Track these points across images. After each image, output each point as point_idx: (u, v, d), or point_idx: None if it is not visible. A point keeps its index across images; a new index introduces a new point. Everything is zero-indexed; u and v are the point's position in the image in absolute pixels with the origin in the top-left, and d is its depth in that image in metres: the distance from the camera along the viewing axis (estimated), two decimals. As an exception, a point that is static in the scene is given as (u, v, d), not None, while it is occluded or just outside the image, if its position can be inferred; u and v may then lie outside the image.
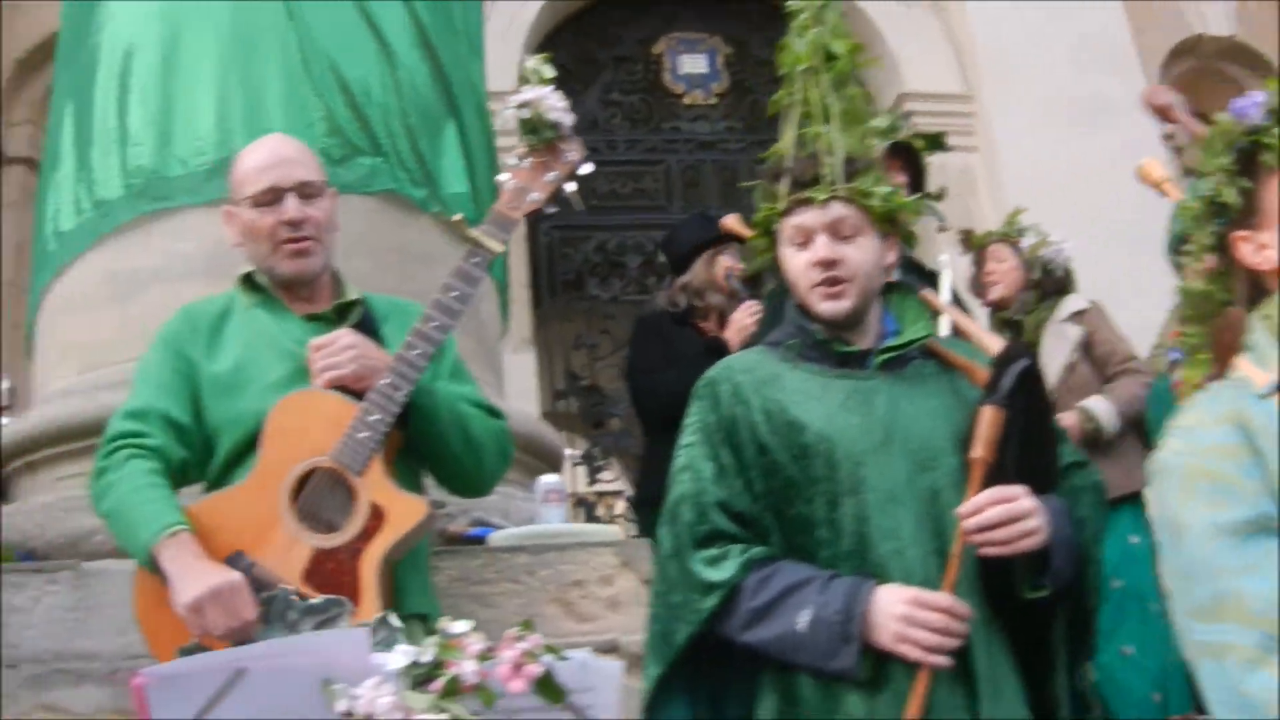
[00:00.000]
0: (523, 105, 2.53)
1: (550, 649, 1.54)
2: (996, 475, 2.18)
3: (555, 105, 2.53)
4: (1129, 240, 6.49)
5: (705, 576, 2.23)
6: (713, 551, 2.25)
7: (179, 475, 2.43)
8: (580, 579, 2.94)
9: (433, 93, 3.69)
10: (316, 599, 2.11)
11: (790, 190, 2.36)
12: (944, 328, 3.25)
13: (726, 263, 4.29)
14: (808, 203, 2.33)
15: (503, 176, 2.57)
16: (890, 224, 2.39)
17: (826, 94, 2.47)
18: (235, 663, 1.47)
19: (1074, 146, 7.82)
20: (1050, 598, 2.18)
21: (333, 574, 2.26)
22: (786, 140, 2.48)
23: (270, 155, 2.58)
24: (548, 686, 1.51)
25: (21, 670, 2.78)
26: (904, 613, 2.08)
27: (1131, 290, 5.95)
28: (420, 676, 1.49)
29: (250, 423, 2.38)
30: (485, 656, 1.49)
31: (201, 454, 2.45)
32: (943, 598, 2.10)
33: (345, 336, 2.38)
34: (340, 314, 2.56)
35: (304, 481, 2.32)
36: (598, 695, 1.56)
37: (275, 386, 2.40)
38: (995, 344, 2.63)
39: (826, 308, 2.31)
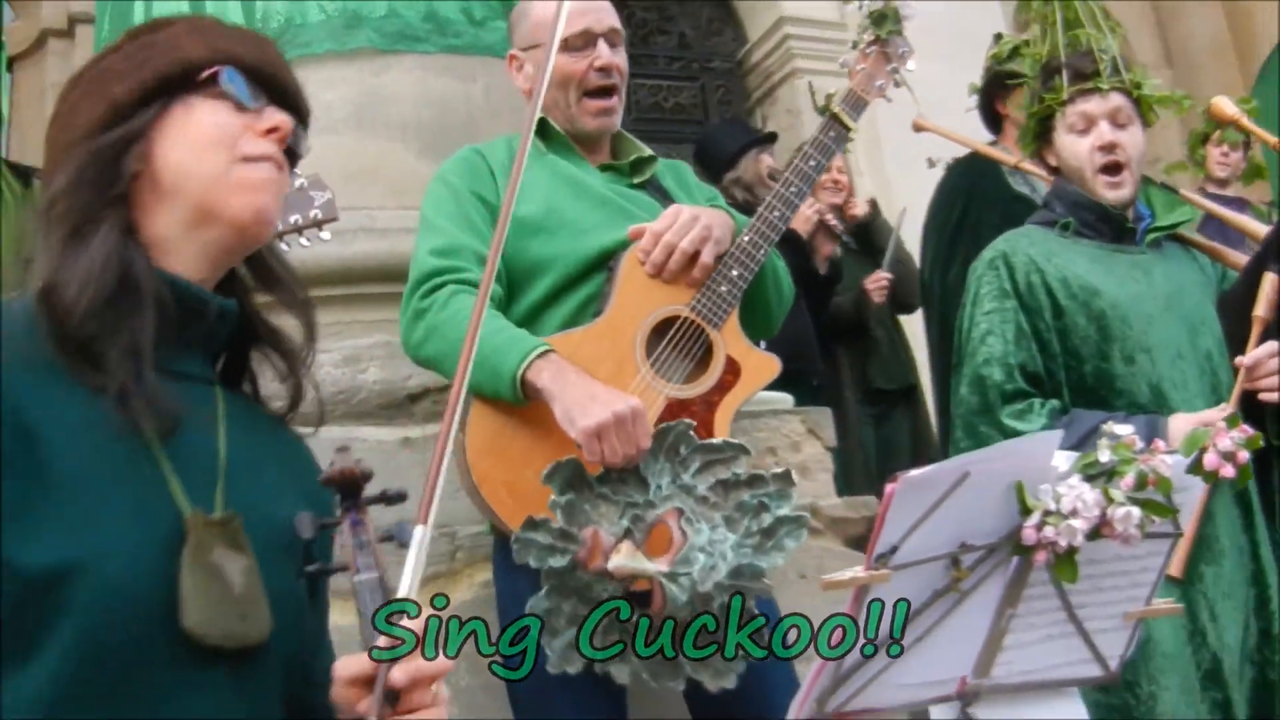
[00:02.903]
0: None
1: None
2: (1267, 334, 2.47)
3: (911, 4, 2.60)
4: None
5: (1018, 427, 2.47)
6: (1019, 406, 2.49)
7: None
8: (772, 445, 3.01)
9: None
10: (715, 439, 2.14)
11: (1070, 83, 2.58)
12: None
13: (768, 160, 4.59)
14: (1090, 93, 2.60)
15: (849, 59, 2.60)
16: (1151, 114, 2.65)
17: (1085, 3, 2.74)
18: (964, 466, 1.51)
19: (947, 78, 8.23)
20: None
21: None
22: (1052, 41, 2.73)
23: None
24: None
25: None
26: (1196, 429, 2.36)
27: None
28: (1095, 474, 1.58)
29: (571, 265, 2.35)
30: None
31: (507, 292, 2.38)
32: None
33: (686, 210, 2.37)
34: (634, 168, 2.54)
35: (657, 330, 2.29)
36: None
37: (590, 231, 2.38)
38: (1259, 226, 2.89)
39: (1112, 195, 2.60)
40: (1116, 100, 2.60)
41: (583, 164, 2.50)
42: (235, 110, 1.36)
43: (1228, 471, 1.68)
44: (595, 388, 2.12)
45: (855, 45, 2.61)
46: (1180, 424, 2.36)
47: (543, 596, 2.01)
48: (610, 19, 2.51)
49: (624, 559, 1.96)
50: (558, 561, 2.00)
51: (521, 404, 2.16)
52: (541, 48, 2.46)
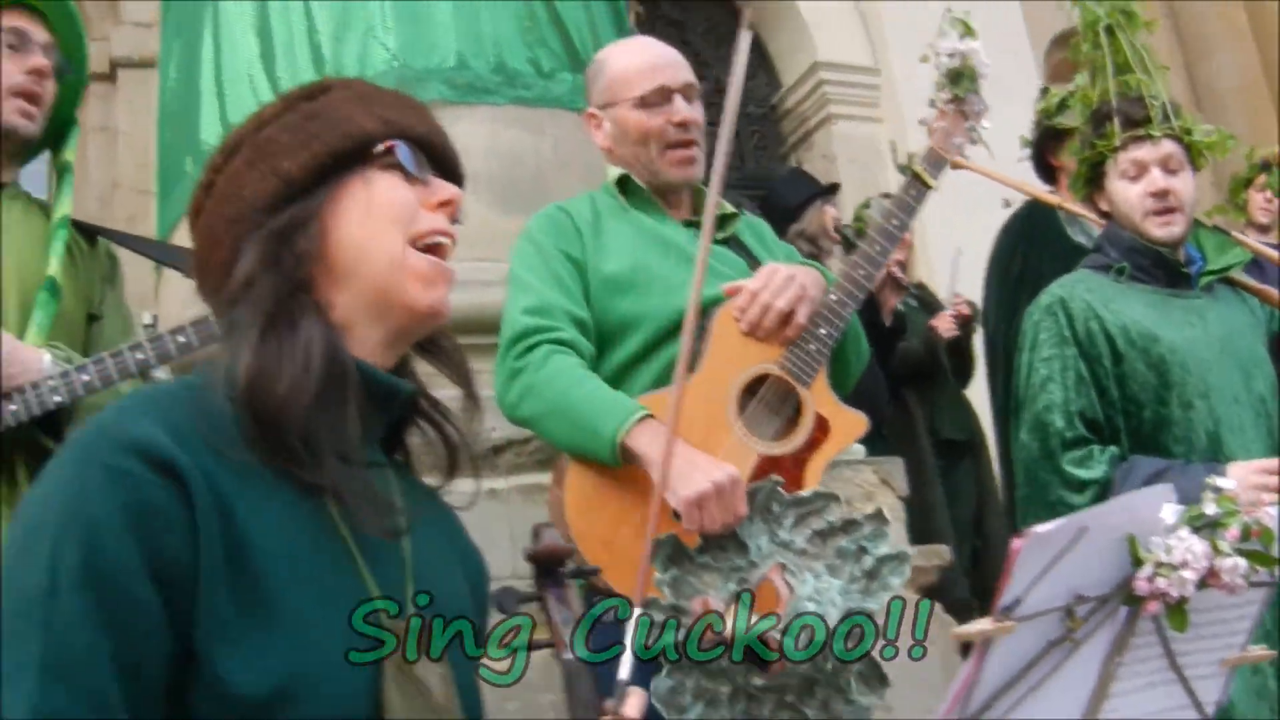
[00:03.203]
0: (954, 54, 2.63)
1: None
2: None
3: (985, 61, 2.64)
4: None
5: (1079, 475, 2.53)
6: (1079, 453, 2.53)
7: None
8: (847, 496, 3.05)
9: (606, 7, 3.68)
10: (804, 492, 2.17)
11: (1122, 129, 2.62)
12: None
13: (832, 212, 4.65)
14: (1142, 139, 2.66)
15: (927, 117, 2.65)
16: (1201, 159, 2.70)
17: (1133, 48, 2.79)
18: (1081, 521, 1.55)
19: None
20: None
21: None
22: (1101, 86, 2.79)
23: (656, 56, 2.55)
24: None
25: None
26: (1257, 481, 2.40)
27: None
28: (1200, 525, 1.62)
29: (661, 322, 2.38)
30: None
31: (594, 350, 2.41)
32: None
33: (782, 269, 2.39)
34: (718, 225, 2.56)
35: (748, 388, 2.33)
36: None
37: (679, 288, 2.38)
38: None
39: (1162, 233, 2.64)
40: (1168, 147, 2.65)
41: (666, 220, 2.54)
42: (408, 183, 1.32)
43: (1335, 524, 1.71)
44: (694, 455, 2.15)
45: (932, 103, 2.65)
46: (1239, 472, 2.39)
47: (665, 676, 2.04)
48: (685, 74, 2.55)
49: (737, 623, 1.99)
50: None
51: (618, 466, 2.20)
52: (621, 104, 2.52)
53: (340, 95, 1.36)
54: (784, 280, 2.35)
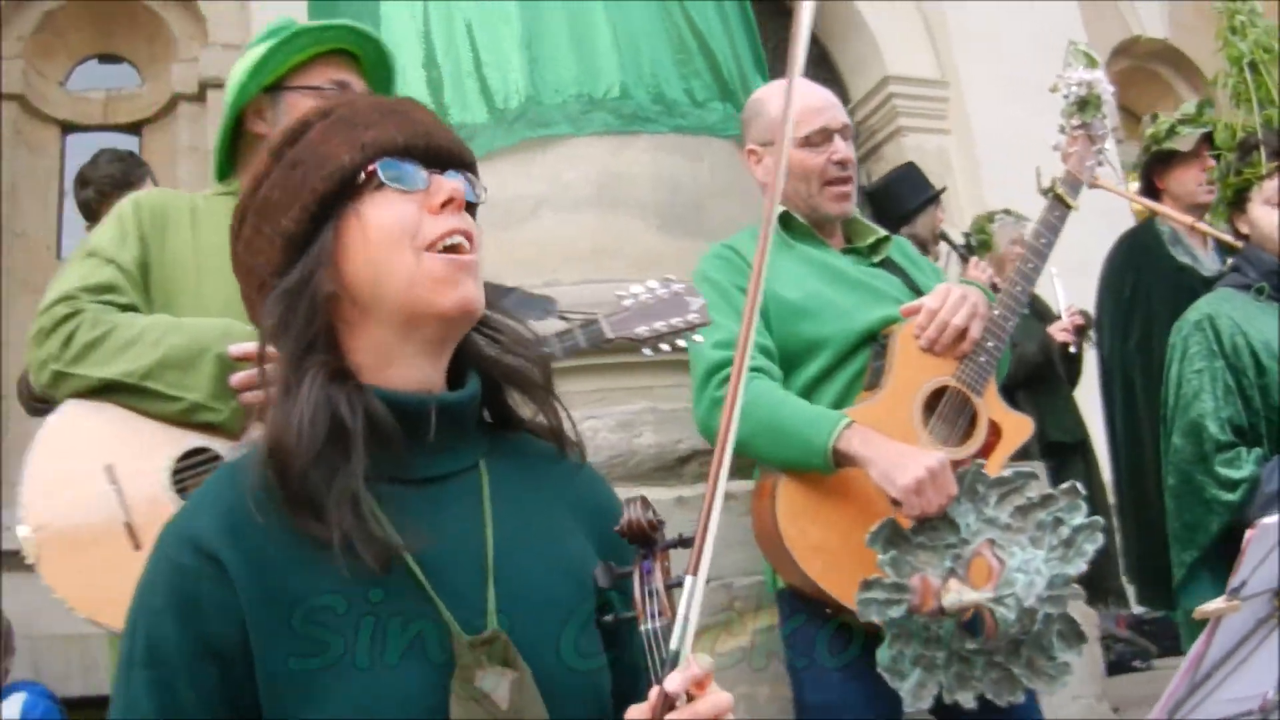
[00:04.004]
0: (1081, 84, 2.89)
1: None
2: None
3: (1109, 88, 2.90)
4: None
5: (1230, 475, 2.81)
6: (1229, 455, 2.83)
7: None
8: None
9: (745, 39, 3.91)
10: (1006, 471, 2.42)
11: (1269, 159, 2.89)
12: None
13: (941, 216, 4.87)
14: None
15: (1060, 142, 2.90)
16: None
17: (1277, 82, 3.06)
18: None
19: (1038, 127, 8.52)
20: None
21: None
22: (1249, 119, 3.07)
23: (819, 99, 2.78)
24: None
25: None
26: None
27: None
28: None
29: (841, 343, 2.63)
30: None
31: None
32: None
33: (955, 289, 2.64)
34: (872, 249, 2.83)
35: (930, 400, 2.55)
36: None
37: (852, 311, 2.65)
38: None
39: None
40: None
41: (828, 249, 2.78)
42: (404, 196, 1.32)
43: None
44: (903, 448, 2.39)
45: (1062, 130, 2.90)
46: None
47: (886, 646, 2.29)
48: (843, 116, 2.79)
49: (954, 595, 2.26)
50: (896, 612, 2.29)
51: (831, 473, 2.43)
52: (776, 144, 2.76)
53: (319, 131, 1.35)
54: (958, 299, 2.59)
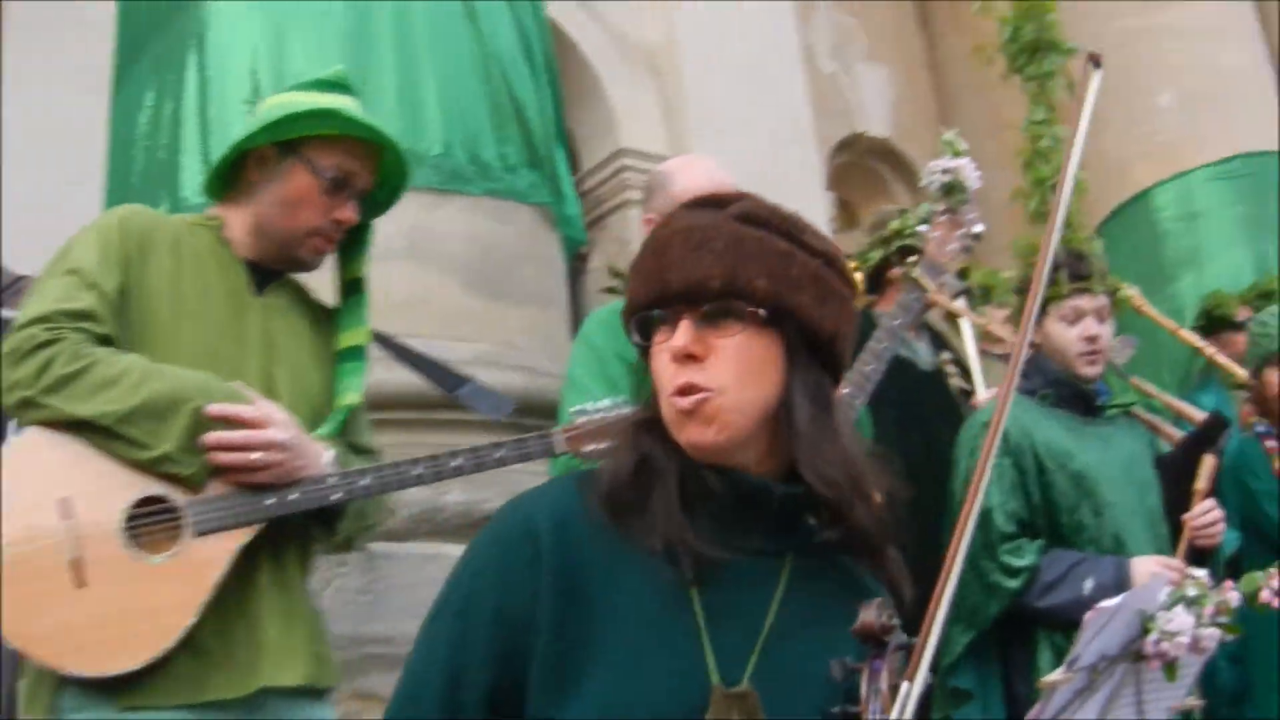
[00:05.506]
0: (946, 171, 3.11)
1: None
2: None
3: (973, 174, 3.13)
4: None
5: (1013, 563, 3.12)
6: (1012, 545, 3.15)
7: None
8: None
9: (553, 114, 4.03)
10: None
11: (1070, 280, 3.21)
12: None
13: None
14: (1084, 291, 3.25)
15: (923, 228, 3.12)
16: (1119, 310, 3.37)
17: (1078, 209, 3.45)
18: (1118, 603, 2.05)
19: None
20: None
21: None
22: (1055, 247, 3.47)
23: (720, 182, 2.79)
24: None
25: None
26: (1155, 570, 2.98)
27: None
28: (1187, 603, 2.15)
29: None
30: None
31: None
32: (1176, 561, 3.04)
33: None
34: None
35: None
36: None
37: None
38: (1195, 413, 3.57)
39: (1089, 371, 3.29)
40: (1102, 299, 3.28)
41: None
42: None
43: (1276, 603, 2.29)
44: None
45: (925, 219, 3.15)
46: (1141, 565, 3.03)
47: None
48: None
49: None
50: None
51: None
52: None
53: None
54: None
